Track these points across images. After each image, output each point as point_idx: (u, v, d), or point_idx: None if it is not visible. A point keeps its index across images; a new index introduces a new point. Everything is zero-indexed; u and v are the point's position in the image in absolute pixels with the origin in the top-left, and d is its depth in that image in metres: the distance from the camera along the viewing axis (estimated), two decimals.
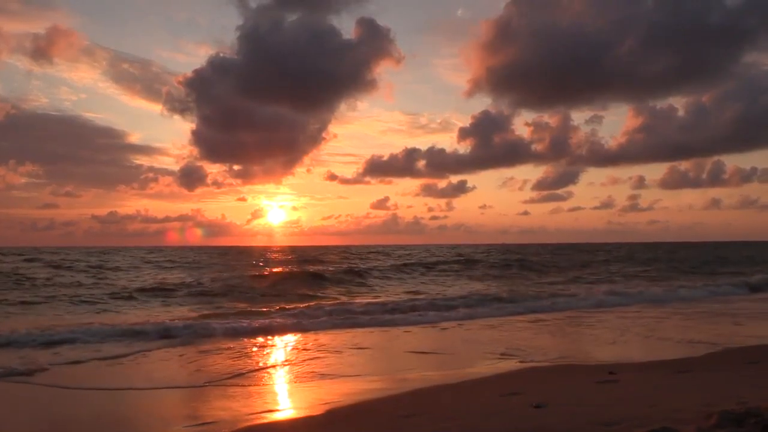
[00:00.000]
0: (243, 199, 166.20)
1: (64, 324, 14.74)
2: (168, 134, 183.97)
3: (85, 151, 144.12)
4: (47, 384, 8.93)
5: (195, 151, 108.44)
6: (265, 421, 6.88)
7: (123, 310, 18.63)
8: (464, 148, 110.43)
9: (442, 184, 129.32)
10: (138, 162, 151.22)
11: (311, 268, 37.03)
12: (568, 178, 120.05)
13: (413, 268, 38.07)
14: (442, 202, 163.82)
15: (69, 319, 16.22)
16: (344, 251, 78.98)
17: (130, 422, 6.89)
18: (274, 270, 37.15)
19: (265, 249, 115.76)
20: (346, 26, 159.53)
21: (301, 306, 19.11)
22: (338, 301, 21.17)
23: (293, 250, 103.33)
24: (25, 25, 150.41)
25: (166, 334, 13.28)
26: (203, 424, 6.64)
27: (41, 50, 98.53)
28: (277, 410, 7.37)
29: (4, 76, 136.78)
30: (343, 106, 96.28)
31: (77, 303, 20.05)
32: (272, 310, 18.36)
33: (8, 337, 12.56)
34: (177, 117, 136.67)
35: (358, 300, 21.82)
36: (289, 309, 18.32)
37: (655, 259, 52.52)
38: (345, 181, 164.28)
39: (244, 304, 20.24)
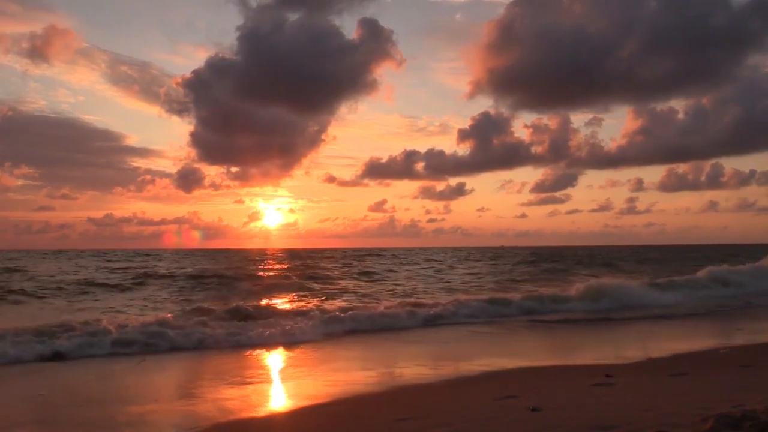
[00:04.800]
0: (240, 202, 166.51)
1: None
2: (166, 137, 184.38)
3: (82, 153, 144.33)
4: None
5: (193, 152, 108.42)
6: (253, 416, 6.88)
7: None
8: (463, 150, 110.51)
9: (440, 186, 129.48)
10: (135, 164, 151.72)
11: None
12: (566, 181, 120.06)
13: None
14: (440, 204, 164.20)
15: None
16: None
17: None
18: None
19: (263, 252, 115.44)
20: (348, 27, 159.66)
21: None
22: None
23: (290, 253, 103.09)
24: (23, 26, 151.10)
25: None
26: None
27: (38, 50, 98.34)
28: (267, 409, 7.37)
29: (1, 77, 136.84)
30: (343, 108, 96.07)
31: None
32: None
33: None
34: (175, 119, 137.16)
35: None
36: None
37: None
38: (343, 183, 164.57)
39: None
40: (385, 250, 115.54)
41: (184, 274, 34.81)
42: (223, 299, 20.77)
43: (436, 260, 60.20)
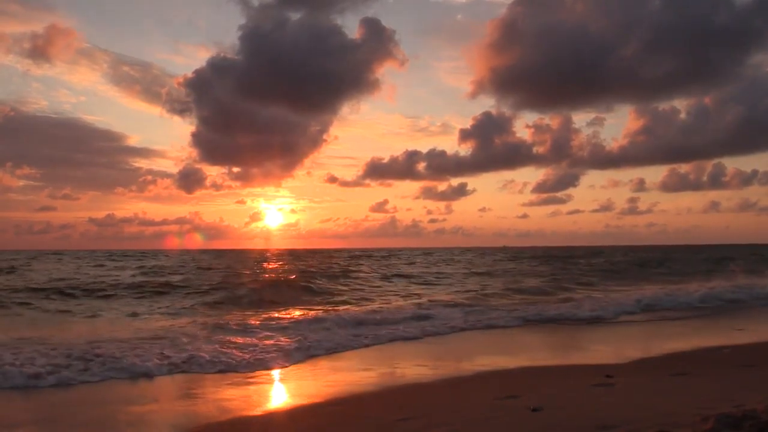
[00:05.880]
0: (242, 202, 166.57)
1: None
2: (167, 137, 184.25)
3: (84, 154, 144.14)
4: None
5: (194, 153, 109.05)
6: (254, 415, 6.89)
7: None
8: (465, 150, 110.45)
9: (442, 186, 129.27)
10: (136, 165, 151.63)
11: None
12: (568, 181, 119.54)
13: None
14: (441, 205, 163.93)
15: None
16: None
17: None
18: None
19: (264, 252, 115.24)
20: (350, 26, 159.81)
21: None
22: None
23: (291, 253, 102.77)
24: (24, 26, 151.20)
25: None
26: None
27: (40, 50, 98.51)
28: (264, 408, 7.38)
29: (3, 77, 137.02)
30: (345, 108, 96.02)
31: None
32: None
33: None
34: (176, 119, 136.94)
35: None
36: None
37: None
38: (345, 184, 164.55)
39: None
40: (400, 250, 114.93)
41: (212, 276, 32.66)
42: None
43: (459, 260, 59.14)
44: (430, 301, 20.48)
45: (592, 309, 18.23)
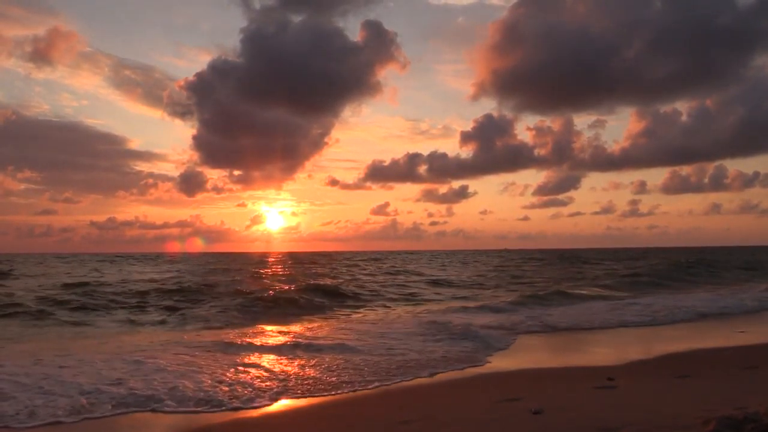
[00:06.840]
0: (243, 205, 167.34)
1: None
2: (168, 140, 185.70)
3: (85, 157, 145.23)
4: None
5: (195, 156, 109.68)
6: (254, 416, 6.88)
7: None
8: (466, 152, 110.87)
9: (443, 189, 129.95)
10: (138, 168, 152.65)
11: None
12: (569, 183, 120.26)
13: None
14: (443, 207, 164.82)
15: None
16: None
17: None
18: None
19: (268, 255, 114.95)
20: (352, 29, 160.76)
21: None
22: None
23: (291, 256, 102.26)
24: (26, 30, 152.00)
25: None
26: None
27: (41, 53, 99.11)
28: (267, 409, 7.37)
29: (5, 81, 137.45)
30: (346, 111, 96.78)
31: None
32: None
33: None
34: (178, 122, 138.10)
35: None
36: None
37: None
38: (346, 187, 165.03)
39: None
40: (408, 253, 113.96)
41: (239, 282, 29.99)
42: None
43: (481, 262, 58.35)
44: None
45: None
